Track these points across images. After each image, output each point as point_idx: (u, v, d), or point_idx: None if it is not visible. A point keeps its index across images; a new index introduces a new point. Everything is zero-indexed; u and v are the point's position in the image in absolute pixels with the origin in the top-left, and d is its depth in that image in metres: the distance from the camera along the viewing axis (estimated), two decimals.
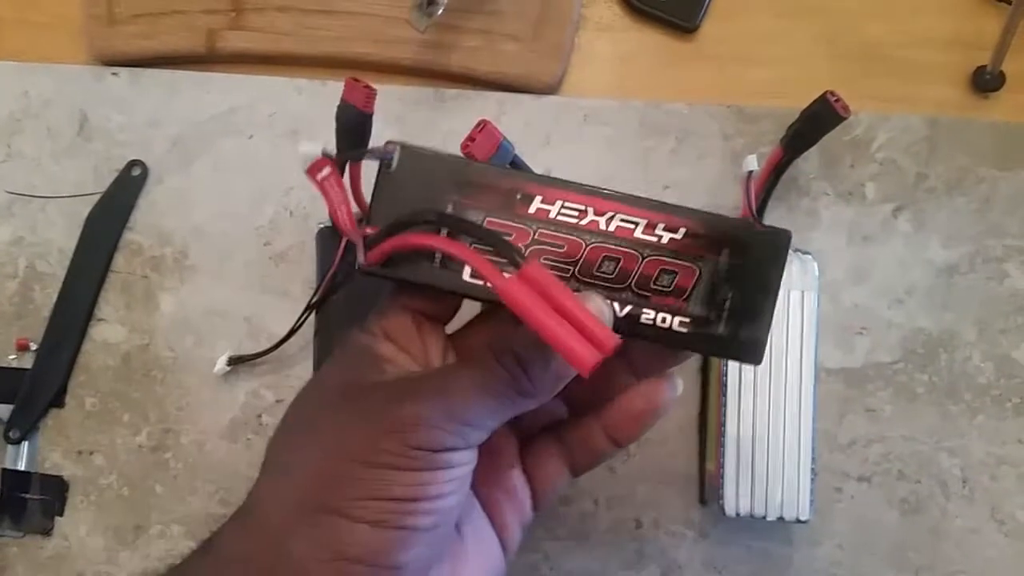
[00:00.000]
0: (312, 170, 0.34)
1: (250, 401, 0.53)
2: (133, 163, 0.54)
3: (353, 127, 0.44)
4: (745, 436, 0.48)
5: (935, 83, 0.56)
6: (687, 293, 0.34)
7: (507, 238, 0.34)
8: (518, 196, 0.34)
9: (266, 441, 0.51)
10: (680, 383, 0.37)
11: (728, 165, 0.54)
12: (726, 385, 0.48)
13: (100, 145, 0.55)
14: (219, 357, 0.52)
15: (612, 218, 0.34)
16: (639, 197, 0.34)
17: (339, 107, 0.43)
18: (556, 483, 0.38)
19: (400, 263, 0.34)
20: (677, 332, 0.34)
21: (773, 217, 0.53)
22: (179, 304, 0.54)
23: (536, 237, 0.34)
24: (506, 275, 0.30)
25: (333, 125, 0.44)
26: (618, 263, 0.34)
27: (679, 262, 0.34)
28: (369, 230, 0.34)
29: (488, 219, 0.34)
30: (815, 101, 0.48)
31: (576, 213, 0.34)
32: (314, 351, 0.52)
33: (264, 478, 0.34)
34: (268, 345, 0.52)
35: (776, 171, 0.51)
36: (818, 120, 0.48)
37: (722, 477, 0.48)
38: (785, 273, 0.47)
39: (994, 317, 0.53)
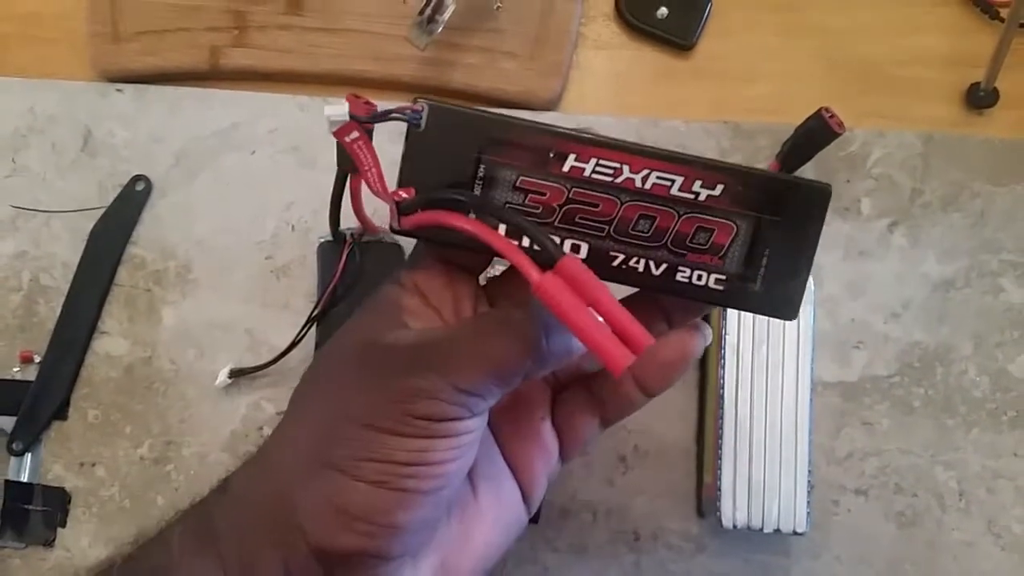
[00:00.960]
0: (340, 132, 0.33)
1: (251, 414, 0.53)
2: (137, 178, 0.55)
3: None
4: (742, 449, 0.48)
5: (930, 100, 0.57)
6: (724, 250, 0.33)
7: (541, 204, 0.33)
8: (551, 154, 0.33)
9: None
10: (709, 331, 0.36)
11: None
12: (723, 398, 0.49)
13: (104, 160, 0.55)
14: (220, 370, 0.52)
15: (648, 176, 0.33)
16: (677, 153, 0.33)
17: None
18: (585, 434, 0.38)
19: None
20: (714, 289, 0.34)
21: None
22: (181, 317, 0.54)
23: (571, 196, 0.33)
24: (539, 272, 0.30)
25: (333, 141, 0.44)
26: (654, 221, 0.33)
27: (716, 219, 0.33)
28: (403, 193, 0.33)
29: (522, 178, 0.33)
30: (810, 117, 0.49)
31: (611, 171, 0.33)
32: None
33: (281, 424, 0.34)
34: (269, 358, 0.52)
35: None
36: (813, 136, 0.49)
37: (719, 489, 0.48)
38: None
39: (990, 331, 0.54)
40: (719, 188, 0.33)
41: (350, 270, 0.51)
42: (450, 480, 0.32)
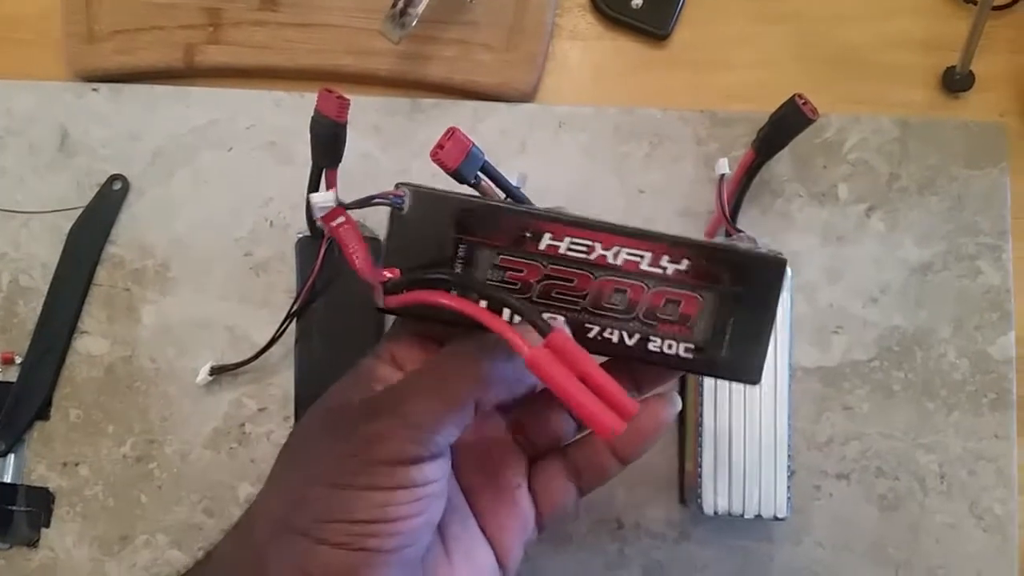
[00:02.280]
0: (327, 218, 0.35)
1: (233, 410, 0.53)
2: (114, 177, 0.55)
3: (327, 137, 0.44)
4: (722, 435, 0.49)
5: (906, 84, 0.57)
6: (691, 321, 0.35)
7: (520, 280, 0.35)
8: (527, 234, 0.35)
9: (249, 450, 0.52)
10: (679, 400, 0.38)
11: (702, 169, 0.55)
12: (703, 384, 0.49)
13: (82, 160, 0.55)
14: (201, 367, 0.53)
15: (619, 252, 0.35)
16: (644, 230, 0.35)
17: (313, 118, 0.44)
18: (562, 502, 0.38)
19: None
20: (683, 357, 0.35)
21: (747, 219, 0.54)
22: (161, 315, 0.54)
23: (547, 272, 0.35)
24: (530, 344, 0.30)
25: (308, 137, 0.44)
26: (626, 294, 0.35)
27: (683, 292, 0.35)
28: (387, 273, 0.34)
29: (501, 256, 0.35)
30: (784, 104, 0.49)
31: (584, 248, 0.35)
32: (295, 359, 0.53)
33: (258, 496, 0.35)
34: (250, 354, 0.52)
35: (748, 174, 0.51)
36: (787, 123, 0.49)
37: (700, 477, 0.48)
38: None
39: (968, 314, 0.54)
40: (684, 263, 0.35)
41: (328, 265, 0.51)
42: (414, 537, 0.32)
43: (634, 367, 0.39)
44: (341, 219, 0.35)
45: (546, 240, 0.35)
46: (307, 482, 0.32)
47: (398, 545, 0.31)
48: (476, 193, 0.37)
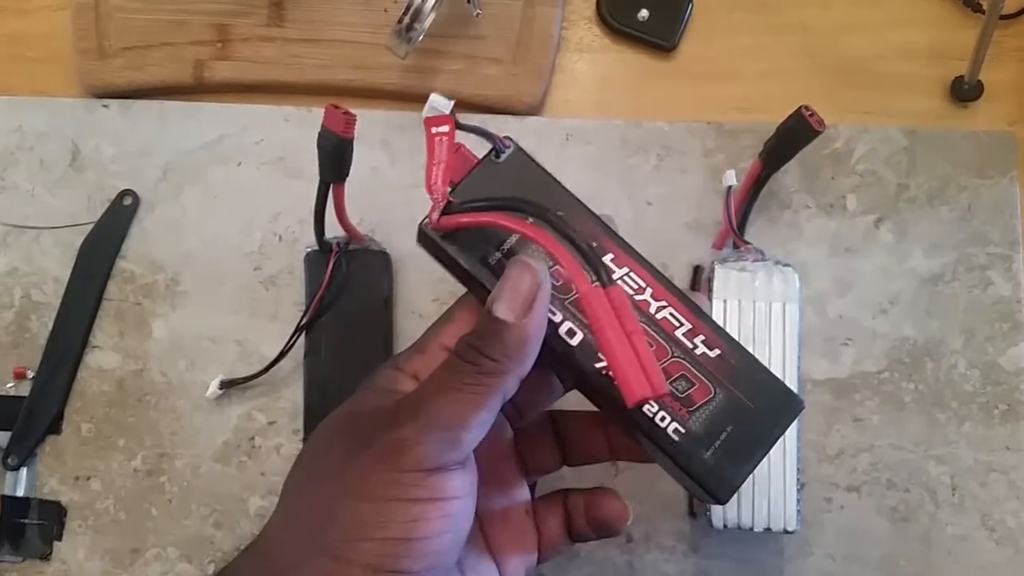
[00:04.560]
0: (432, 121, 0.35)
1: (242, 424, 0.53)
2: (124, 193, 0.55)
3: (334, 153, 0.45)
4: None
5: (914, 94, 0.57)
6: (695, 407, 0.35)
7: (564, 279, 0.35)
8: (594, 243, 0.34)
9: (259, 463, 0.52)
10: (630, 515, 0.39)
11: (710, 180, 0.55)
12: None
13: (92, 176, 0.56)
14: (211, 381, 0.53)
15: (663, 307, 0.35)
16: (694, 303, 0.36)
17: (320, 133, 0.44)
18: (557, 540, 0.39)
19: (460, 243, 0.35)
20: (670, 437, 0.34)
21: (755, 230, 0.54)
22: (171, 330, 0.54)
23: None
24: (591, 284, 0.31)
25: (315, 152, 0.45)
26: (651, 348, 0.34)
27: (701, 377, 0.35)
28: (451, 198, 0.35)
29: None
30: (790, 116, 0.49)
31: (636, 287, 0.35)
32: (304, 372, 0.53)
33: (274, 514, 0.34)
34: (259, 368, 0.52)
35: (756, 185, 0.51)
36: (793, 135, 0.49)
37: None
38: (766, 285, 0.48)
39: (979, 324, 0.54)
40: (716, 352, 0.35)
41: (337, 278, 0.52)
42: (444, 557, 0.32)
43: (612, 432, 0.39)
44: (444, 128, 0.35)
45: (607, 259, 0.36)
46: (333, 497, 0.31)
47: (429, 565, 0.31)
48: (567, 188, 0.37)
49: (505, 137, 0.36)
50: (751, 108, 0.56)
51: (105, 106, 0.57)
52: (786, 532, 0.48)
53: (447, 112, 0.35)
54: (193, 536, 0.53)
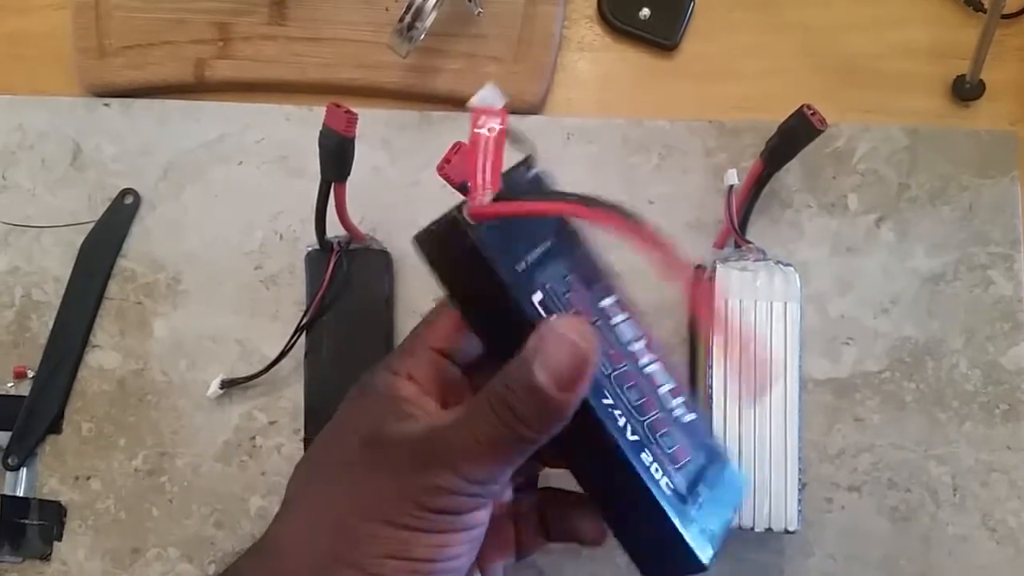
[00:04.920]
0: (480, 112, 0.33)
1: (243, 423, 0.53)
2: (125, 192, 0.55)
3: (335, 151, 0.45)
4: (732, 448, 0.48)
5: (916, 93, 0.57)
6: (679, 465, 0.34)
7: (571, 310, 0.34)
8: (601, 283, 0.35)
9: (259, 463, 0.52)
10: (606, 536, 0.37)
11: (711, 179, 0.55)
12: (712, 397, 0.49)
13: (93, 175, 0.56)
14: (212, 380, 0.53)
15: (654, 361, 0.35)
16: (674, 367, 0.36)
17: (321, 132, 0.44)
18: (534, 541, 0.39)
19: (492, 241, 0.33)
20: (663, 490, 0.33)
21: (756, 229, 0.54)
22: (172, 329, 0.54)
23: (593, 323, 0.34)
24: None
25: (317, 151, 0.45)
26: (641, 398, 0.34)
27: (679, 437, 0.35)
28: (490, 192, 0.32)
29: (569, 276, 0.34)
30: (792, 115, 0.49)
31: (631, 335, 0.35)
32: (305, 372, 0.53)
33: (286, 519, 0.34)
34: (260, 367, 0.52)
35: (757, 184, 0.51)
36: (795, 134, 0.49)
37: None
38: (767, 284, 0.48)
39: (980, 324, 0.54)
40: (689, 418, 0.36)
41: (338, 278, 0.52)
42: (462, 573, 0.33)
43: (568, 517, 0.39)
44: (496, 125, 0.33)
45: (609, 301, 0.35)
46: (359, 516, 0.32)
47: None
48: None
49: (529, 157, 0.36)
50: (752, 107, 0.56)
51: (106, 105, 0.57)
52: (787, 532, 0.48)
53: (500, 104, 0.33)
54: (194, 536, 0.53)
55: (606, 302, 0.35)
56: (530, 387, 0.29)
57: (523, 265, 0.33)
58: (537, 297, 0.32)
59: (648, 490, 0.33)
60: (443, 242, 0.33)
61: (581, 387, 0.30)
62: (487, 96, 0.33)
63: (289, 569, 0.32)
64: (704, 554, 0.33)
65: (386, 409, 0.34)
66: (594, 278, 0.36)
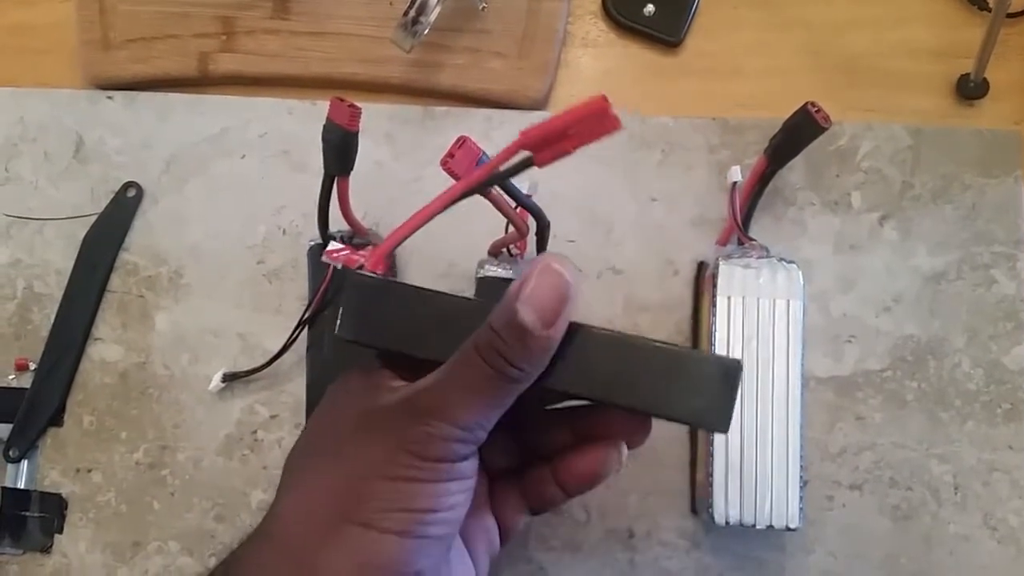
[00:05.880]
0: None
1: (245, 417, 0.53)
2: (128, 185, 0.55)
3: (339, 145, 0.45)
4: (734, 445, 0.48)
5: (919, 92, 0.57)
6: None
7: None
8: None
9: (261, 457, 0.52)
10: (625, 454, 0.38)
11: (714, 176, 0.55)
12: None
13: (96, 167, 0.56)
14: (214, 374, 0.53)
15: None
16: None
17: (324, 126, 0.44)
18: (517, 521, 0.40)
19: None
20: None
21: (759, 227, 0.54)
22: (174, 322, 0.54)
23: None
24: None
25: (321, 144, 0.45)
26: None
27: None
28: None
29: None
30: (796, 112, 0.49)
31: None
32: (307, 366, 0.53)
33: (283, 498, 0.36)
34: (262, 361, 0.52)
35: (761, 182, 0.51)
36: (799, 131, 0.49)
37: (711, 486, 0.48)
38: (770, 282, 0.48)
39: (983, 323, 0.53)
40: None
41: (340, 273, 0.51)
42: (455, 527, 0.34)
43: (576, 421, 0.39)
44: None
45: None
46: (357, 477, 0.33)
47: (447, 532, 0.34)
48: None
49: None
50: (756, 104, 0.56)
51: (109, 98, 0.57)
52: (788, 529, 0.48)
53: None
54: (195, 529, 0.53)
55: None
56: (515, 326, 0.31)
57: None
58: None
59: (657, 346, 0.34)
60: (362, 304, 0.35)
61: (564, 318, 0.31)
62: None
63: (288, 540, 0.33)
64: (737, 374, 0.34)
65: (375, 385, 0.35)
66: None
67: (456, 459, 0.33)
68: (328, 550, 0.32)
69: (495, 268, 0.50)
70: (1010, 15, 0.55)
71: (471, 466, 0.34)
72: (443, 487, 0.33)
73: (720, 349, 0.49)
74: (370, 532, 0.32)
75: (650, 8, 0.56)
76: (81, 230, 0.55)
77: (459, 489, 0.33)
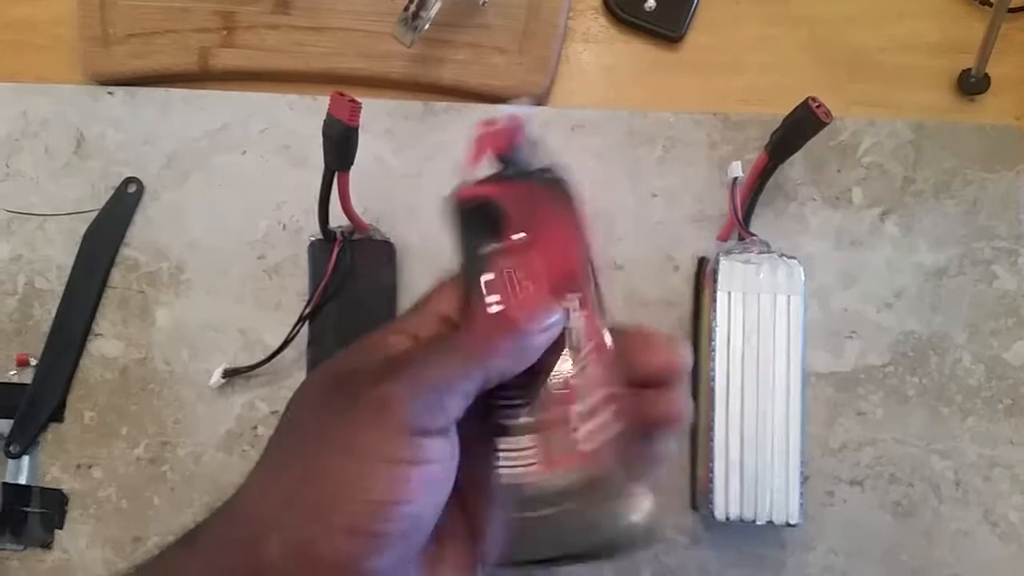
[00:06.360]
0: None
1: (245, 413, 0.53)
2: (129, 180, 0.55)
3: (339, 140, 0.45)
4: (734, 441, 0.48)
5: (921, 87, 0.57)
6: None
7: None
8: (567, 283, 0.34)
9: (261, 453, 0.52)
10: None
11: (715, 172, 0.55)
12: (715, 391, 0.49)
13: (97, 163, 0.56)
14: (215, 370, 0.53)
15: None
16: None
17: (325, 121, 0.44)
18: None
19: None
20: None
21: (760, 222, 0.53)
22: (175, 318, 0.54)
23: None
24: None
25: (321, 140, 0.45)
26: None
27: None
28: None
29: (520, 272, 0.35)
30: (797, 107, 0.48)
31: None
32: (307, 362, 0.53)
33: (254, 472, 0.33)
34: (262, 357, 0.52)
35: (761, 177, 0.51)
36: (800, 126, 0.48)
37: (712, 482, 0.48)
38: (770, 278, 0.48)
39: (984, 319, 0.53)
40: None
41: (341, 268, 0.51)
42: (418, 523, 0.31)
43: None
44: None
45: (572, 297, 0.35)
46: (317, 454, 0.30)
47: (406, 530, 0.30)
48: None
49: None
50: (757, 100, 0.56)
51: (110, 93, 0.57)
52: (788, 525, 0.48)
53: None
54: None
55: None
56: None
57: (486, 249, 0.34)
58: (486, 277, 0.34)
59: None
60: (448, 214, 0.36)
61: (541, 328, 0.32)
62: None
63: (249, 518, 0.31)
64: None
65: (361, 351, 0.33)
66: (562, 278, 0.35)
67: (417, 431, 0.30)
68: (280, 538, 0.29)
69: None
70: (1011, 10, 0.55)
71: (437, 449, 0.31)
72: (401, 471, 0.29)
73: (720, 344, 0.49)
74: (315, 527, 0.29)
75: (651, 3, 0.56)
76: (82, 226, 0.55)
77: (419, 477, 0.30)
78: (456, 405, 0.31)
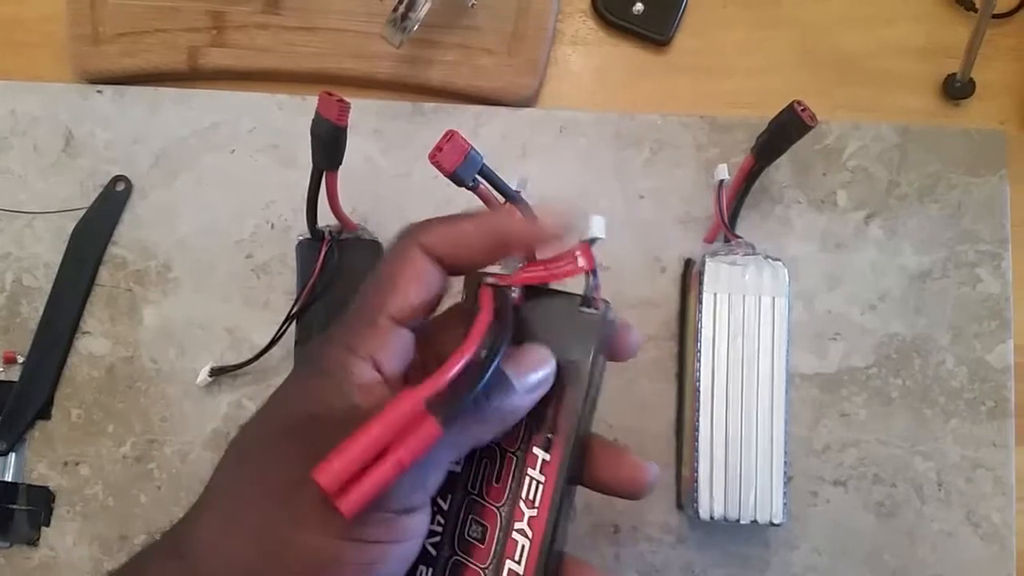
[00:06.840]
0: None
1: (232, 412, 0.53)
2: (117, 178, 0.55)
3: (328, 140, 0.45)
4: (718, 441, 0.49)
5: (906, 91, 0.57)
6: None
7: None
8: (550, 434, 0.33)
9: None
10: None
11: (702, 174, 0.55)
12: (700, 391, 0.49)
13: (85, 161, 0.56)
14: (201, 368, 0.53)
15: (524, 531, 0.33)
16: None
17: (314, 121, 0.44)
18: None
19: None
20: None
21: (746, 225, 0.54)
22: (162, 316, 0.54)
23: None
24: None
25: (310, 139, 0.45)
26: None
27: None
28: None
29: None
30: (783, 111, 0.49)
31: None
32: (295, 361, 0.53)
33: (206, 519, 0.30)
34: (250, 356, 0.52)
35: (748, 180, 0.51)
36: (786, 129, 0.49)
37: (696, 482, 0.49)
38: (756, 279, 0.49)
39: (967, 321, 0.54)
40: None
41: (329, 267, 0.52)
42: None
43: None
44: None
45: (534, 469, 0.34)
46: (286, 525, 0.28)
47: None
48: None
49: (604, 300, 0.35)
50: (744, 103, 0.57)
51: (99, 92, 0.57)
52: (772, 525, 0.48)
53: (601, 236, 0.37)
54: None
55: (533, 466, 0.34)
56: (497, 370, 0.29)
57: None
58: None
59: None
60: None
61: (540, 392, 0.31)
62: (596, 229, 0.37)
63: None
64: None
65: (331, 391, 0.29)
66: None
67: (399, 510, 0.28)
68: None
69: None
70: (996, 16, 0.55)
71: (414, 526, 0.29)
72: (377, 552, 0.28)
73: (706, 345, 0.49)
74: None
75: (639, 6, 0.57)
76: (70, 224, 0.55)
77: (395, 556, 0.28)
78: (437, 481, 0.30)
